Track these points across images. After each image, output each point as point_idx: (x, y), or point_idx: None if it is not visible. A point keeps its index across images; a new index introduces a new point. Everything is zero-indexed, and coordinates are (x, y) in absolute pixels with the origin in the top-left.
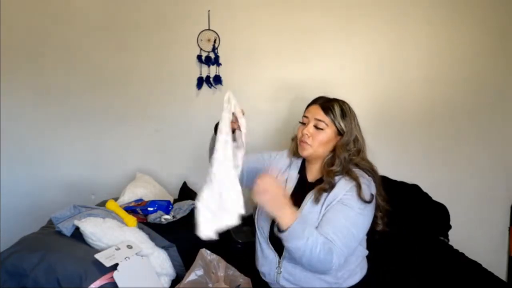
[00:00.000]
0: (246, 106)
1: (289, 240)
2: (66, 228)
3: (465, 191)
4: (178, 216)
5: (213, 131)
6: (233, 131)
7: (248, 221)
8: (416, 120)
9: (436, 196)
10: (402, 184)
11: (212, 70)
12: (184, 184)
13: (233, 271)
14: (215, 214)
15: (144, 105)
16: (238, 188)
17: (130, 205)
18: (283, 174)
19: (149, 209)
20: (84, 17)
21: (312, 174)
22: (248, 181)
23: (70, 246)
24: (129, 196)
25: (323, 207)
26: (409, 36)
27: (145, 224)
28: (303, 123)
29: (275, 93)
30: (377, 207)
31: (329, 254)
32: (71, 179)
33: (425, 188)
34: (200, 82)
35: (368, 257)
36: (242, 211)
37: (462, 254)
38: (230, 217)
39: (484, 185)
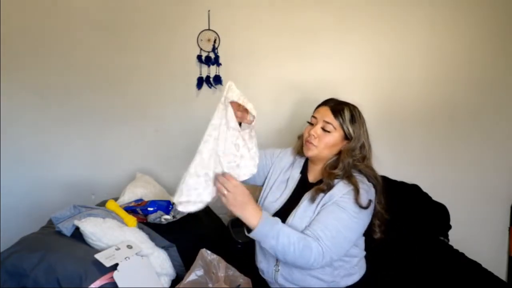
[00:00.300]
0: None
1: (261, 241)
2: (66, 228)
3: (465, 191)
4: (178, 216)
5: None
6: (239, 123)
7: None
8: (417, 119)
9: (436, 196)
10: (402, 184)
11: (212, 70)
12: None
13: (233, 271)
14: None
15: (144, 105)
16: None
17: (130, 205)
18: (285, 173)
19: (149, 209)
20: (84, 17)
21: (314, 175)
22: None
23: (70, 246)
24: (129, 196)
25: (318, 206)
26: (410, 35)
27: (145, 224)
28: (311, 123)
29: (276, 93)
30: (375, 215)
31: (306, 251)
32: (71, 179)
33: (425, 188)
34: (200, 82)
35: (367, 257)
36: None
37: (462, 254)
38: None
39: (484, 185)
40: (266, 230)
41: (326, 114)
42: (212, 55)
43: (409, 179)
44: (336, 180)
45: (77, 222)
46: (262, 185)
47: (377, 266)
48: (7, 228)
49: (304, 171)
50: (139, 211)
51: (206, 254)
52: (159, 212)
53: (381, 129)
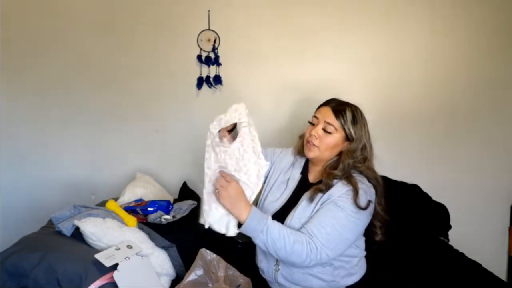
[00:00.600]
0: (247, 106)
1: (252, 236)
2: (66, 228)
3: (465, 191)
4: (178, 216)
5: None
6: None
7: None
8: (416, 119)
9: (436, 196)
10: (402, 184)
11: (212, 70)
12: (184, 184)
13: (233, 271)
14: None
15: (144, 105)
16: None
17: (130, 205)
18: (285, 173)
19: (149, 209)
20: (84, 17)
21: (314, 175)
22: None
23: (70, 246)
24: (129, 196)
25: (316, 205)
26: (410, 36)
27: (145, 224)
28: (312, 123)
29: (276, 92)
30: (376, 216)
31: (297, 245)
32: (71, 179)
33: (425, 188)
34: (200, 82)
35: (367, 257)
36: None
37: (462, 254)
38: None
39: (484, 185)
40: (254, 224)
41: (328, 115)
42: (212, 55)
43: (409, 179)
44: (335, 180)
45: (77, 222)
46: (263, 185)
47: (377, 266)
48: (7, 228)
49: (305, 172)
50: (139, 211)
51: (206, 254)
52: (159, 212)
53: (381, 129)
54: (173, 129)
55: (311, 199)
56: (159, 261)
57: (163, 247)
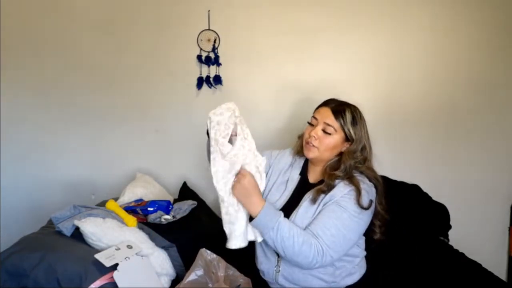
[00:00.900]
0: (247, 106)
1: (261, 231)
2: (66, 228)
3: (465, 191)
4: (178, 216)
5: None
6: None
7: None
8: (416, 119)
9: (436, 196)
10: (402, 184)
11: (212, 70)
12: (184, 184)
13: (233, 271)
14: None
15: (144, 105)
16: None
17: (130, 205)
18: (284, 174)
19: (149, 209)
20: (84, 17)
21: (314, 176)
22: None
23: (70, 246)
24: (129, 196)
25: (319, 206)
26: (410, 35)
27: (145, 224)
28: (311, 124)
29: (276, 92)
30: (376, 216)
31: (305, 246)
32: (71, 179)
33: (425, 188)
34: (200, 82)
35: (367, 257)
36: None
37: (462, 254)
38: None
39: (484, 185)
40: (266, 220)
41: (327, 116)
42: (212, 55)
43: (409, 179)
44: (336, 181)
45: (77, 222)
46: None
47: (377, 266)
48: (7, 228)
49: (304, 172)
50: (139, 211)
51: (206, 254)
52: (159, 212)
53: (381, 129)
54: (173, 129)
55: (314, 201)
56: (159, 261)
57: (163, 247)
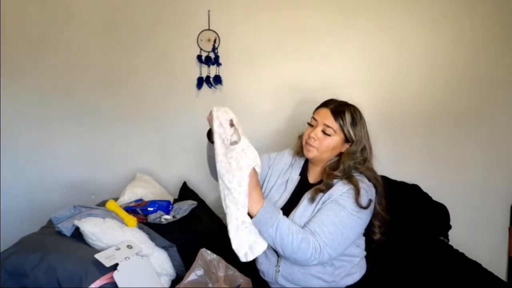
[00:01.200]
0: (246, 106)
1: (260, 229)
2: (66, 228)
3: (465, 191)
4: (178, 216)
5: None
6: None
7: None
8: (417, 119)
9: (436, 196)
10: (402, 184)
11: (212, 70)
12: (184, 184)
13: (233, 271)
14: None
15: (144, 105)
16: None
17: (130, 205)
18: (284, 175)
19: (149, 209)
20: (84, 17)
21: (314, 176)
22: None
23: (70, 246)
24: (129, 196)
25: (317, 205)
26: (412, 34)
27: (145, 224)
28: (311, 125)
29: (276, 93)
30: (376, 216)
31: (304, 243)
32: (71, 179)
33: (425, 188)
34: (200, 82)
35: (367, 257)
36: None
37: (462, 254)
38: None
39: (484, 185)
40: (266, 218)
41: (326, 117)
42: (212, 55)
43: (409, 179)
44: (335, 180)
45: (77, 222)
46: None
47: (377, 266)
48: (7, 228)
49: (304, 172)
50: (139, 211)
51: (206, 254)
52: (159, 212)
53: (381, 129)
54: (173, 129)
55: (312, 200)
56: (159, 261)
57: (163, 247)
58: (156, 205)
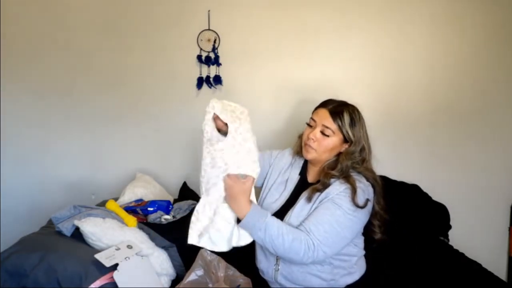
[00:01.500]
0: (246, 106)
1: (250, 232)
2: (66, 228)
3: (465, 191)
4: (178, 216)
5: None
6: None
7: None
8: (417, 119)
9: (436, 196)
10: (402, 184)
11: (212, 70)
12: (184, 184)
13: (233, 271)
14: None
15: (144, 105)
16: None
17: (130, 205)
18: (284, 174)
19: (149, 209)
20: (84, 17)
21: (313, 175)
22: None
23: (70, 246)
24: (129, 196)
25: (314, 204)
26: (412, 34)
27: (145, 224)
28: (310, 125)
29: (276, 93)
30: (375, 216)
31: (296, 243)
32: (71, 179)
33: (425, 188)
34: (200, 82)
35: (367, 256)
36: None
37: (462, 254)
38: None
39: (484, 185)
40: (253, 221)
41: (325, 118)
42: (212, 55)
43: (409, 179)
44: (332, 179)
45: (77, 222)
46: (261, 187)
47: (377, 266)
48: (7, 228)
49: (303, 172)
50: (139, 211)
51: (206, 254)
52: (159, 212)
53: (381, 128)
54: (173, 129)
55: (309, 199)
56: (159, 261)
57: (163, 247)
58: (156, 205)
